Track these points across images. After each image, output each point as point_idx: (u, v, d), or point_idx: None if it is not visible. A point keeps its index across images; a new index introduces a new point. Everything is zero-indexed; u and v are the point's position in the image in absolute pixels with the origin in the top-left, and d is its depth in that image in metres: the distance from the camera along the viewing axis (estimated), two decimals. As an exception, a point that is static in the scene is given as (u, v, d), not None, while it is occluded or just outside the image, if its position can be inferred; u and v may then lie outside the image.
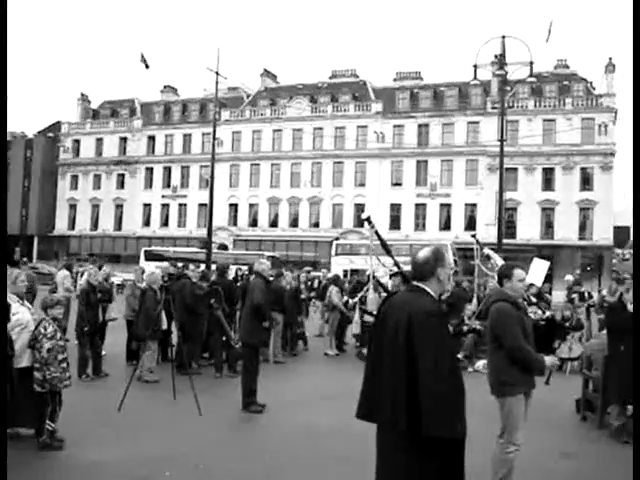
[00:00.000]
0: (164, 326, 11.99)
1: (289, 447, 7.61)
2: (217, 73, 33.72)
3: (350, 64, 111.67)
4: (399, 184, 57.14)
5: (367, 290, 14.43)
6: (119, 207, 66.88)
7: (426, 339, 3.62)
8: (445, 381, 3.61)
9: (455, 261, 40.17)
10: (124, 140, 67.57)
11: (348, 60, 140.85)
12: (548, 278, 17.24)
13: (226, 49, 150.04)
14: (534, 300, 13.18)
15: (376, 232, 6.71)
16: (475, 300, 14.80)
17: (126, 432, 8.04)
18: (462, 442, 3.76)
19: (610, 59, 53.13)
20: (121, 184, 66.93)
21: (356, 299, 15.21)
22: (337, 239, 50.78)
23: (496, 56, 29.85)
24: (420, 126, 57.03)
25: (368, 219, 7.00)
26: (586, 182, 52.70)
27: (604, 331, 9.53)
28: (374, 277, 14.33)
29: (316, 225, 59.28)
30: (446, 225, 55.40)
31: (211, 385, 11.27)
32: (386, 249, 5.80)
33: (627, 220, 71.33)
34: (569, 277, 19.40)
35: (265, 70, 67.62)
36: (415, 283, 3.99)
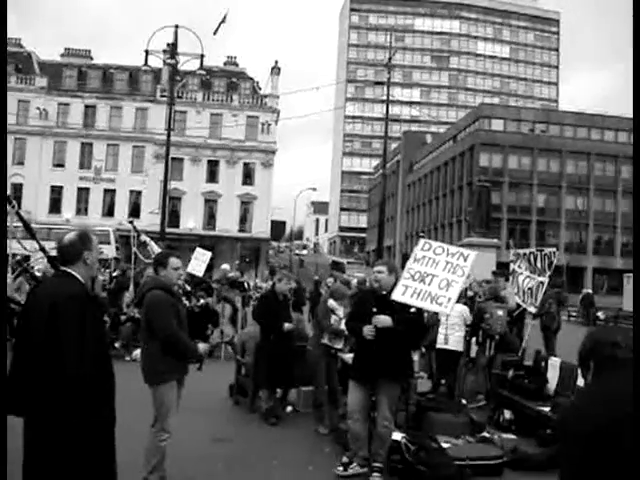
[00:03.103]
0: None
1: None
2: None
3: (14, 33, 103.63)
4: (61, 165, 54.45)
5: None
6: None
7: (69, 323, 3.48)
8: (90, 365, 3.50)
9: (117, 248, 39.50)
10: None
11: (12, 29, 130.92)
12: (209, 268, 17.60)
13: None
14: (189, 288, 13.38)
15: (17, 213, 6.19)
16: (131, 287, 14.59)
17: None
18: (111, 428, 3.71)
19: (276, 62, 56.24)
20: None
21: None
22: (-12, 221, 46.58)
23: (168, 45, 29.92)
24: (87, 107, 54.95)
25: (7, 198, 6.43)
26: (248, 177, 55.38)
27: None
28: (19, 263, 13.47)
29: (-36, 204, 53.74)
30: (110, 211, 54.10)
31: None
32: (30, 232, 5.38)
33: (282, 215, 76.29)
34: (225, 266, 20.05)
35: None
36: (62, 268, 3.84)
